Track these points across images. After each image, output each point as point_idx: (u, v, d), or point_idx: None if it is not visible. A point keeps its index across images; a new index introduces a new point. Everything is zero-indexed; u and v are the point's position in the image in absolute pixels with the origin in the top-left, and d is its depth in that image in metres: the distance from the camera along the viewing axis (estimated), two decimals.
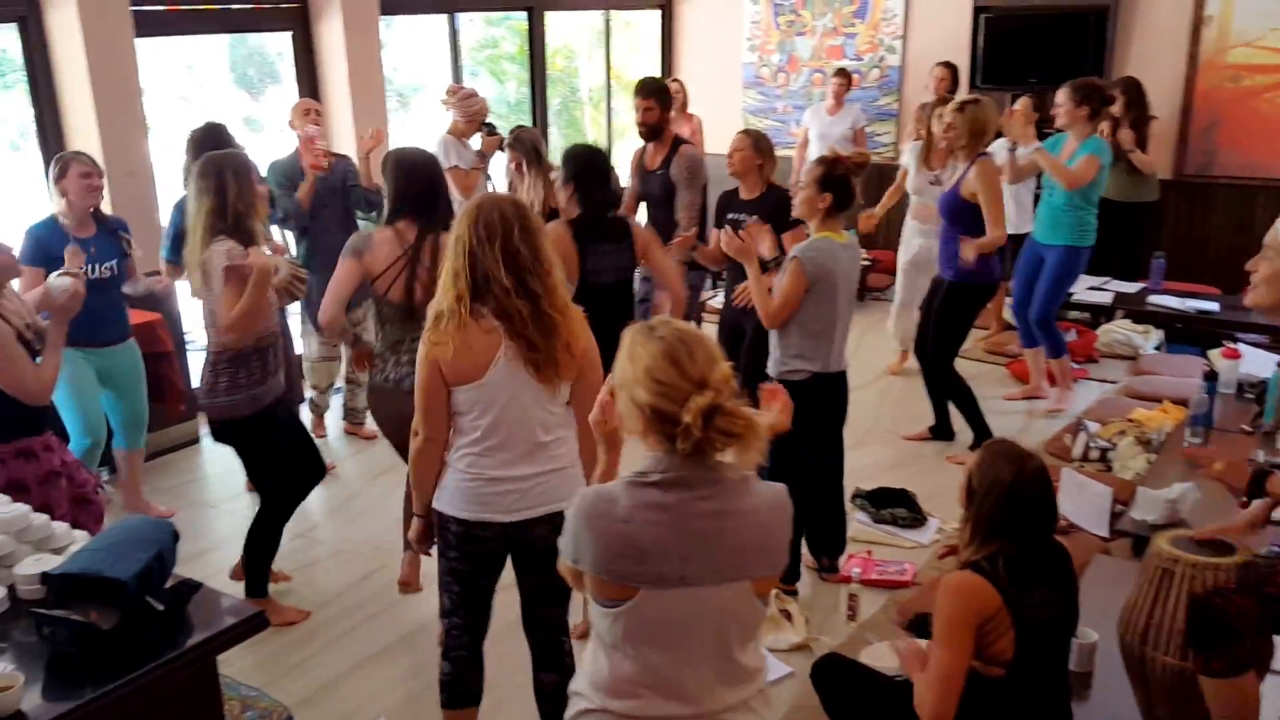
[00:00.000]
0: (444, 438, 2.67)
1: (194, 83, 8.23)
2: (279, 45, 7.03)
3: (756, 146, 4.42)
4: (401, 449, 3.27)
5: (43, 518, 2.57)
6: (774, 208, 4.33)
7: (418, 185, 3.48)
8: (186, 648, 2.24)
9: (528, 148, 4.63)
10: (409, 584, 3.86)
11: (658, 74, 8.69)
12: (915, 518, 4.43)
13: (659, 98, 4.98)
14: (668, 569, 1.80)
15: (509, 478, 2.62)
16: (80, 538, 2.62)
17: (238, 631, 2.33)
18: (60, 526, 2.60)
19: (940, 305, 5.02)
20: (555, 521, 2.56)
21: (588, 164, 3.89)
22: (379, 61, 6.30)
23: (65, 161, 4.10)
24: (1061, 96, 5.23)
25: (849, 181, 3.65)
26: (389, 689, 3.48)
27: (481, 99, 5.34)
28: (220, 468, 5.04)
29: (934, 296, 5.13)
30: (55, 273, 3.26)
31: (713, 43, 8.78)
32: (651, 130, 5.01)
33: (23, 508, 2.55)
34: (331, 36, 6.05)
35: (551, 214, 4.23)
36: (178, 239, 4.25)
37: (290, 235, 5.16)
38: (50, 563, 2.42)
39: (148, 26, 5.19)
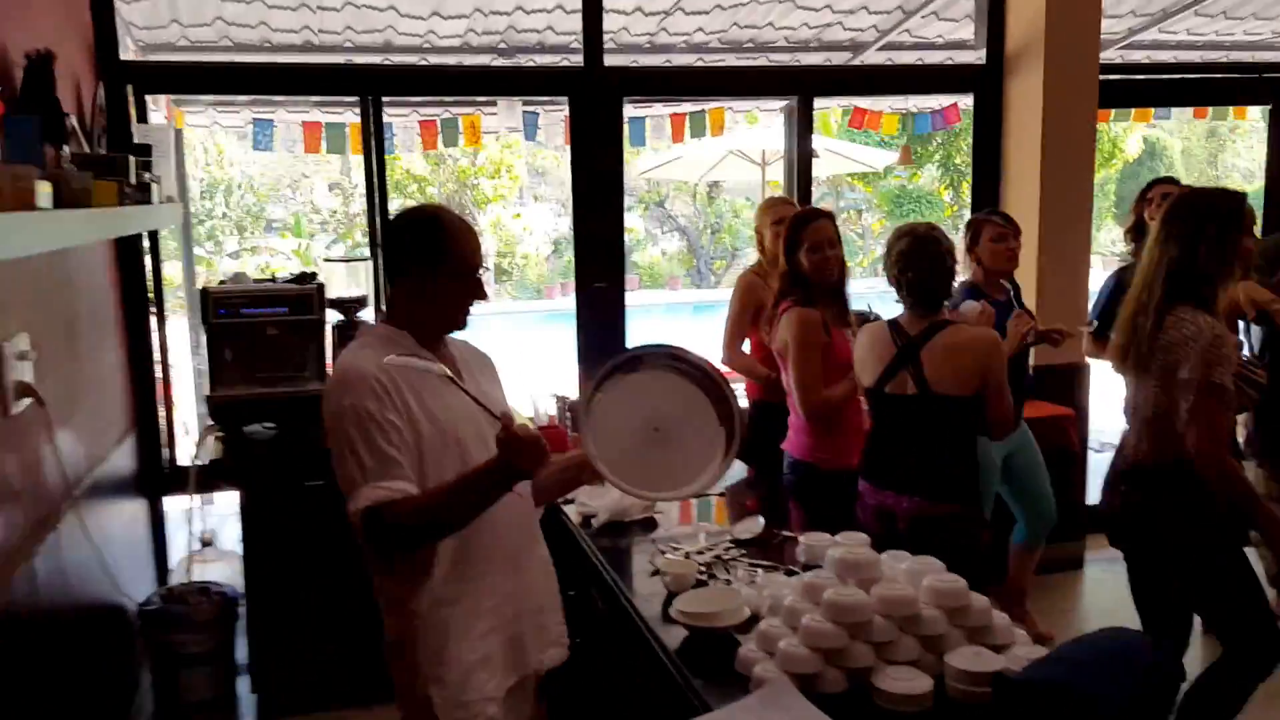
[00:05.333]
0: None
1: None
2: None
3: None
4: None
5: (983, 601, 1.95)
6: None
7: None
8: None
9: None
10: None
11: None
12: None
13: None
14: None
15: None
16: (1023, 638, 1.94)
17: None
18: (1001, 619, 1.94)
19: None
20: None
21: None
22: None
23: (978, 225, 3.72)
24: None
25: None
26: None
27: None
28: (1112, 600, 4.06)
29: None
30: (965, 303, 3.15)
31: None
32: None
33: (959, 579, 1.95)
34: None
35: None
36: (1108, 311, 3.65)
37: None
38: (991, 661, 1.77)
39: (1112, 97, 4.66)
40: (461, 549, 2.00)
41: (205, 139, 15.33)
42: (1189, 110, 6.70)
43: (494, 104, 5.94)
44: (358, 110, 4.47)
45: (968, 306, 3.05)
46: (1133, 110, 6.10)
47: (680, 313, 16.42)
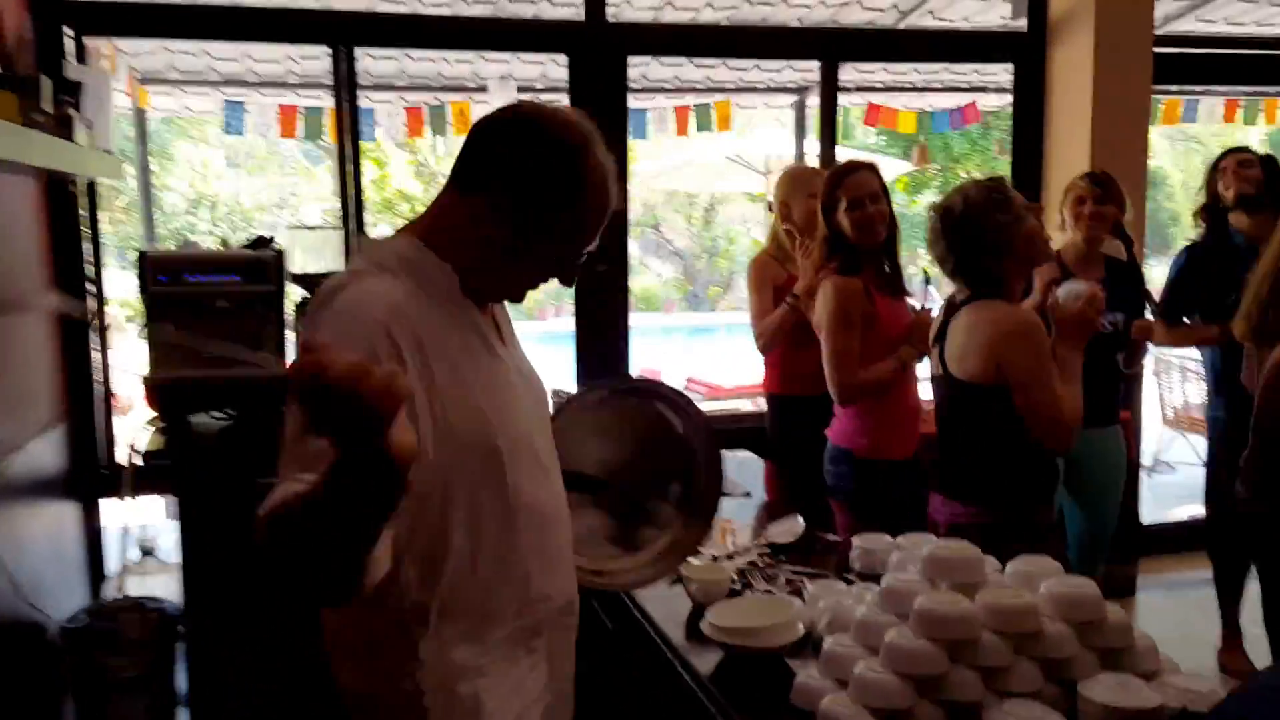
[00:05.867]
0: None
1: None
2: None
3: None
4: None
5: (1120, 614, 1.47)
6: None
7: None
8: None
9: None
10: None
11: None
12: None
13: None
14: None
15: None
16: (1170, 664, 1.48)
17: None
18: (1144, 639, 1.47)
19: None
20: None
21: None
22: None
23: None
24: None
25: None
26: None
27: None
28: (1170, 631, 3.57)
29: None
30: (1066, 282, 2.61)
31: None
32: None
33: (1088, 583, 1.48)
34: None
35: None
36: (1179, 288, 3.39)
37: None
38: (1141, 694, 1.31)
39: (1165, 73, 4.27)
40: (519, 594, 1.40)
41: (192, 155, 14.93)
42: (1219, 112, 6.35)
43: (485, 90, 5.57)
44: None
45: (1068, 290, 2.46)
46: (1162, 106, 5.77)
47: (675, 334, 16.05)
